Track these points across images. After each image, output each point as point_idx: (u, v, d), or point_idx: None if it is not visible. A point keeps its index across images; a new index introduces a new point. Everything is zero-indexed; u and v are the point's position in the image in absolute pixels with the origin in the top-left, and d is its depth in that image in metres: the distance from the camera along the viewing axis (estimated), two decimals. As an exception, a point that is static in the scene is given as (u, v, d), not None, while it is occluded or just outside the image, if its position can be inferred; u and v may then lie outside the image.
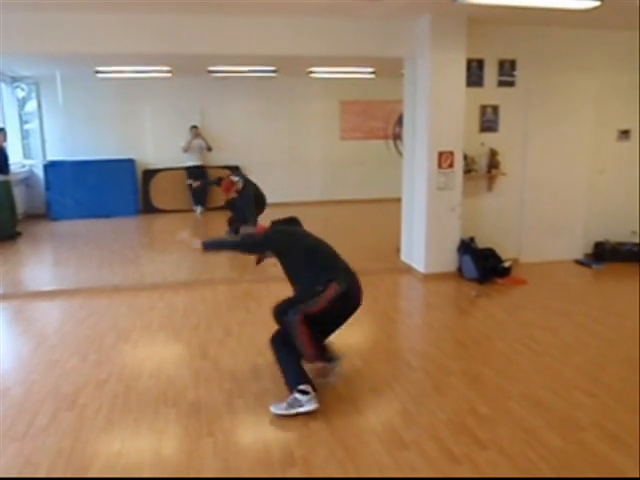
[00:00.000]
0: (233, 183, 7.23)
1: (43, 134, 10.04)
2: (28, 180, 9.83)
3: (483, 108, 5.94)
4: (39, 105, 9.90)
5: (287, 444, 2.82)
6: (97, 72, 8.37)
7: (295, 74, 9.48)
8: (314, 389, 3.12)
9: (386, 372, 3.63)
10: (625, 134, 6.39)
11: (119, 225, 9.18)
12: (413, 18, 5.53)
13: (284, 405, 3.08)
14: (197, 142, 10.02)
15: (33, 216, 9.56)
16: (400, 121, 6.61)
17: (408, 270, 6.09)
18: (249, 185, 7.40)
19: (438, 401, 3.22)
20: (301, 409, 3.04)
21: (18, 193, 8.80)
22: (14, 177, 8.89)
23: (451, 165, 5.65)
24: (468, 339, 4.21)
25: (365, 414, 3.11)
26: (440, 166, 5.62)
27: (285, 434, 2.92)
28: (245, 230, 6.66)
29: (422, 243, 5.82)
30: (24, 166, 9.87)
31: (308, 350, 3.14)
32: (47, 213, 9.70)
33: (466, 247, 5.79)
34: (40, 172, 9.89)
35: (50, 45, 5.17)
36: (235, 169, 10.48)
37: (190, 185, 9.69)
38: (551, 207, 6.30)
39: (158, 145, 10.36)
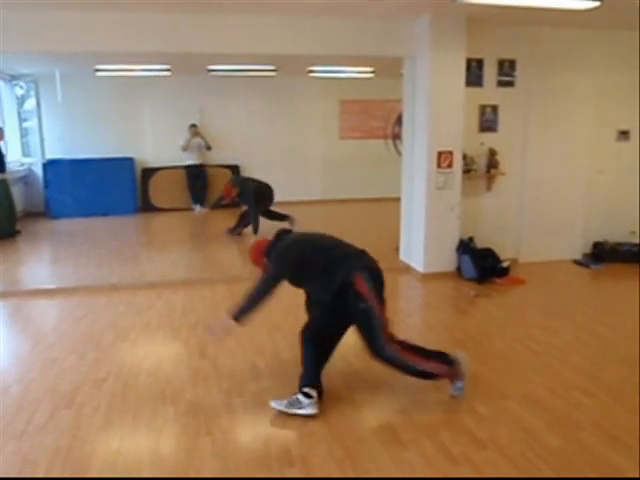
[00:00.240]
0: (232, 187, 7.85)
1: (42, 132, 10.01)
2: (27, 178, 9.80)
3: (482, 108, 5.94)
4: (38, 103, 9.87)
5: (286, 443, 2.81)
6: (96, 70, 8.35)
7: (295, 73, 9.47)
8: (320, 395, 3.08)
9: (385, 372, 3.61)
10: (625, 134, 6.40)
11: (118, 223, 9.17)
12: (413, 18, 5.53)
13: (285, 402, 3.07)
14: (196, 141, 10.01)
15: (32, 214, 9.54)
16: (399, 121, 6.61)
17: (407, 270, 6.09)
18: (247, 185, 7.84)
19: (437, 401, 3.22)
20: (299, 411, 3.02)
21: (17, 191, 8.78)
22: (13, 175, 8.88)
23: (450, 165, 5.64)
24: (467, 339, 4.20)
25: (364, 414, 3.11)
26: (439, 166, 5.62)
27: (284, 433, 2.92)
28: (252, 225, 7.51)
29: (421, 243, 5.82)
30: (23, 164, 9.85)
31: (427, 366, 3.10)
32: (46, 211, 9.69)
33: (465, 247, 5.79)
34: (39, 170, 9.87)
35: (49, 43, 5.16)
36: (234, 169, 10.52)
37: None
38: (550, 207, 6.30)
39: (157, 144, 10.34)
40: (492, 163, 6.03)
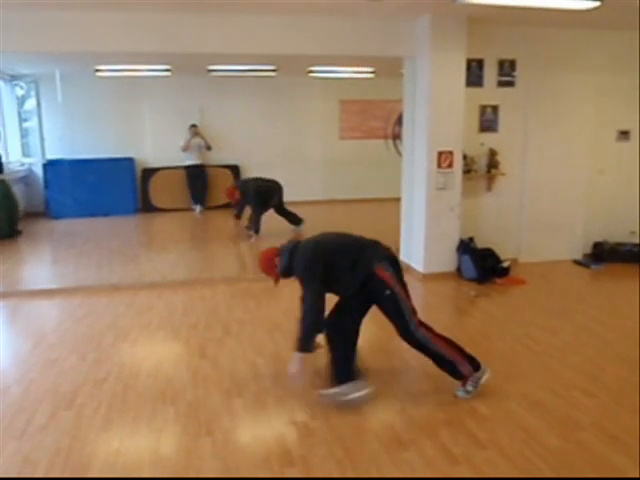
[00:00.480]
0: (234, 189, 8.11)
1: (42, 132, 10.02)
2: (27, 179, 9.81)
3: (483, 108, 5.94)
4: (38, 103, 9.88)
5: (286, 444, 2.81)
6: (96, 70, 8.35)
7: (295, 73, 9.47)
8: (361, 376, 3.20)
9: (385, 372, 3.62)
10: (625, 134, 6.40)
11: (118, 224, 9.17)
12: (413, 18, 5.53)
13: (336, 390, 3.15)
14: (196, 141, 10.01)
15: (32, 214, 9.54)
16: (400, 121, 6.61)
17: (407, 270, 6.05)
18: (248, 186, 7.96)
19: (437, 401, 3.22)
20: (356, 394, 3.13)
21: (17, 191, 8.78)
22: (13, 175, 8.89)
23: (450, 165, 5.64)
24: (467, 339, 4.19)
25: (364, 414, 3.11)
26: (439, 166, 5.62)
27: (284, 434, 2.92)
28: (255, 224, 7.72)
29: (421, 243, 5.82)
30: (23, 164, 9.86)
31: (456, 359, 3.18)
32: (46, 211, 9.69)
33: (465, 247, 5.79)
34: (39, 170, 9.88)
35: (50, 43, 5.16)
36: (234, 169, 10.53)
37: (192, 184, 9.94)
38: (550, 207, 6.30)
39: (157, 144, 10.35)
40: (492, 163, 6.03)
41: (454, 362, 3.20)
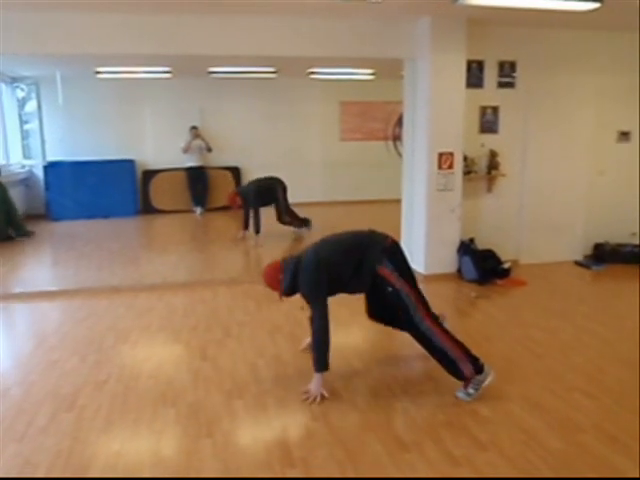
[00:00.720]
0: (235, 195, 8.05)
1: (43, 134, 10.04)
2: (28, 181, 9.82)
3: (483, 109, 5.95)
4: (39, 105, 9.90)
5: (287, 445, 2.81)
6: (97, 72, 8.37)
7: (295, 75, 9.48)
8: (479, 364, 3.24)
9: (386, 373, 3.62)
10: (625, 135, 6.40)
11: (118, 226, 9.18)
12: (413, 19, 5.53)
13: (469, 390, 3.20)
14: (197, 143, 10.02)
15: (33, 216, 9.54)
16: (400, 122, 6.62)
17: (408, 271, 6.07)
18: (248, 190, 7.96)
19: (438, 402, 3.22)
20: (486, 382, 3.20)
21: (17, 194, 8.79)
22: (13, 178, 8.90)
23: (451, 166, 5.64)
24: (468, 340, 4.16)
25: (365, 415, 3.11)
26: (440, 167, 5.62)
27: (285, 435, 2.91)
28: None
29: (422, 244, 5.82)
30: (24, 166, 9.87)
31: (459, 357, 3.20)
32: (47, 213, 9.70)
33: (466, 248, 5.79)
34: (40, 172, 9.89)
35: (50, 45, 5.16)
36: (235, 170, 10.53)
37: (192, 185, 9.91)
38: (551, 208, 6.30)
39: (158, 146, 10.36)
40: (493, 164, 6.03)
41: (456, 360, 3.20)
